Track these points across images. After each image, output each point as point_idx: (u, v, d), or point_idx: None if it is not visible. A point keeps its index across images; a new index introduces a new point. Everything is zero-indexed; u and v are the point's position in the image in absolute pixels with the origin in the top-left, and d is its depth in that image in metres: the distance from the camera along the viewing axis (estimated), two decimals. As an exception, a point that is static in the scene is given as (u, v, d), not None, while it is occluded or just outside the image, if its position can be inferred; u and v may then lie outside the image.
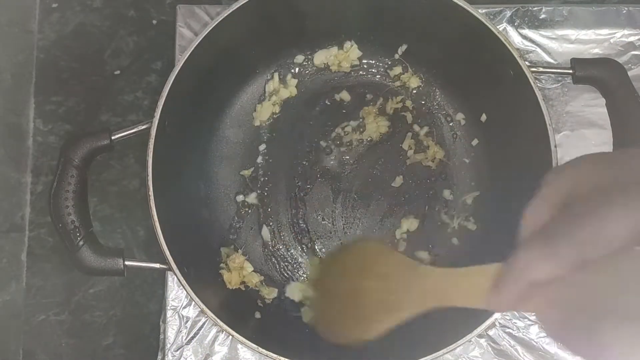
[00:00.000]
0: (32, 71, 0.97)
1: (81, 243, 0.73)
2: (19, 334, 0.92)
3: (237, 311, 0.83)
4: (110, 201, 0.95)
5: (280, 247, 0.93)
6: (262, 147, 0.94)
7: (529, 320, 0.91)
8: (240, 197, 0.93)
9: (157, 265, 0.76)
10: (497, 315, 0.77)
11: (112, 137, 0.76)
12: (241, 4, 0.80)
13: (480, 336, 0.90)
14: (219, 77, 0.89)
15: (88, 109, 0.97)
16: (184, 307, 0.90)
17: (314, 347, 0.83)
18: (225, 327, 0.74)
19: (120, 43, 0.98)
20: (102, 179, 0.95)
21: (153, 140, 0.76)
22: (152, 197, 0.74)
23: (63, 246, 0.74)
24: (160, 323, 0.91)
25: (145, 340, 0.93)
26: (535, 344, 0.90)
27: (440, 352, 0.77)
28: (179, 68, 0.79)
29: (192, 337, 0.89)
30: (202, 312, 0.75)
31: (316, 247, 0.93)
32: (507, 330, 0.90)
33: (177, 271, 0.75)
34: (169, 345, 0.89)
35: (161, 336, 0.90)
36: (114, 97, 0.97)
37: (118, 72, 0.97)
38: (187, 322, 0.89)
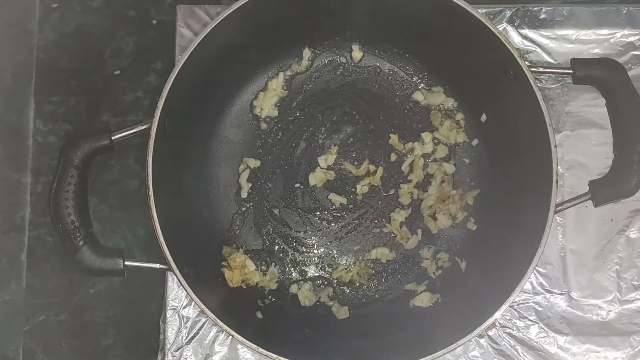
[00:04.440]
0: (32, 71, 0.97)
1: (81, 243, 0.73)
2: (19, 334, 0.93)
3: (238, 311, 0.83)
4: (110, 201, 0.95)
5: (281, 244, 0.93)
6: (262, 147, 0.94)
7: (529, 320, 0.91)
8: (243, 193, 0.93)
9: (157, 266, 0.76)
10: (497, 314, 0.77)
11: (112, 138, 0.76)
12: (241, 4, 0.80)
13: (480, 336, 0.90)
14: (219, 77, 0.88)
15: (88, 109, 0.97)
16: (184, 307, 0.90)
17: (314, 348, 0.84)
18: (225, 327, 0.74)
19: (120, 43, 0.98)
20: (102, 179, 0.95)
21: (153, 140, 0.76)
22: (152, 197, 0.74)
23: (63, 246, 0.74)
24: (160, 323, 0.91)
25: (145, 340, 0.93)
26: (535, 343, 0.90)
27: (440, 352, 0.77)
28: (179, 68, 0.78)
29: (192, 337, 0.89)
30: (202, 312, 0.75)
31: (315, 247, 0.93)
32: (507, 330, 0.90)
33: (177, 271, 0.75)
34: (169, 345, 0.89)
35: (161, 336, 0.90)
36: (114, 97, 0.97)
37: (118, 72, 0.97)
38: (187, 322, 0.89)
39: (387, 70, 0.95)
